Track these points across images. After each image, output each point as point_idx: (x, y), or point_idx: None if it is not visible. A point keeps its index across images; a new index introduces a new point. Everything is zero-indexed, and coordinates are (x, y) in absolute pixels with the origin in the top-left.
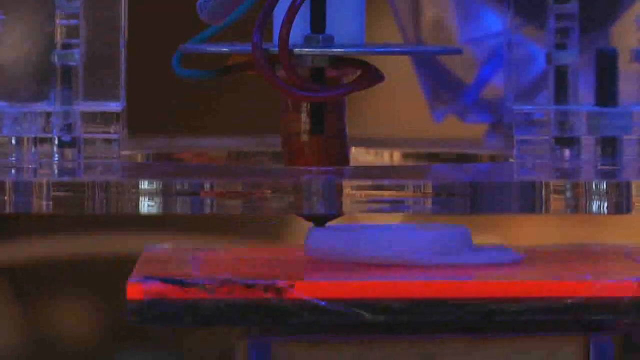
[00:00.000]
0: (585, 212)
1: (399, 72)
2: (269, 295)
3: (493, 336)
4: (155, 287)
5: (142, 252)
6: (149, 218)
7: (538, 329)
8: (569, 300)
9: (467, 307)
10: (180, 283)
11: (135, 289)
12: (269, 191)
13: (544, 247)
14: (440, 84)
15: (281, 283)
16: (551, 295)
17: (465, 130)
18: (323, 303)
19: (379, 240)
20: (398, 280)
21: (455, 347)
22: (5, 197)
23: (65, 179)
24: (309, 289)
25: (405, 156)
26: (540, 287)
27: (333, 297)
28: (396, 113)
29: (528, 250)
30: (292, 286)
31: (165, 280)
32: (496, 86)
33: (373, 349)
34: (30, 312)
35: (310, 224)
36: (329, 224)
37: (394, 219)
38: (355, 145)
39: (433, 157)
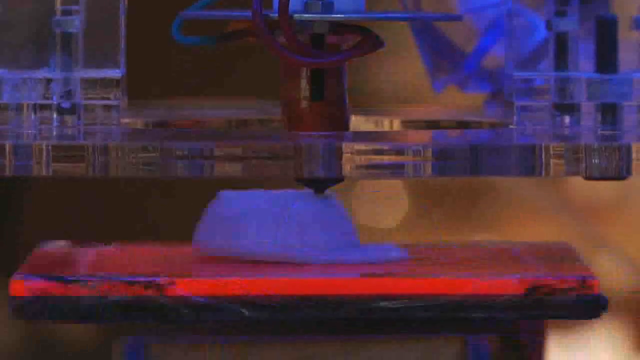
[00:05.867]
0: (585, 176)
1: (399, 42)
2: (149, 292)
3: (372, 337)
4: (38, 284)
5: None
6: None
7: (417, 328)
8: (446, 298)
9: (345, 304)
10: (62, 280)
11: (18, 286)
12: (269, 155)
13: (432, 245)
14: (440, 54)
15: (162, 280)
16: (429, 292)
17: (465, 100)
18: (203, 300)
19: (263, 237)
20: (278, 278)
21: (334, 348)
22: (5, 161)
23: (65, 142)
24: (190, 286)
25: (405, 124)
26: (418, 285)
27: (213, 294)
28: (396, 83)
29: (416, 249)
30: (172, 283)
31: (47, 278)
32: (496, 56)
33: (250, 350)
34: None
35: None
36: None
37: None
38: (355, 114)
39: (433, 124)
